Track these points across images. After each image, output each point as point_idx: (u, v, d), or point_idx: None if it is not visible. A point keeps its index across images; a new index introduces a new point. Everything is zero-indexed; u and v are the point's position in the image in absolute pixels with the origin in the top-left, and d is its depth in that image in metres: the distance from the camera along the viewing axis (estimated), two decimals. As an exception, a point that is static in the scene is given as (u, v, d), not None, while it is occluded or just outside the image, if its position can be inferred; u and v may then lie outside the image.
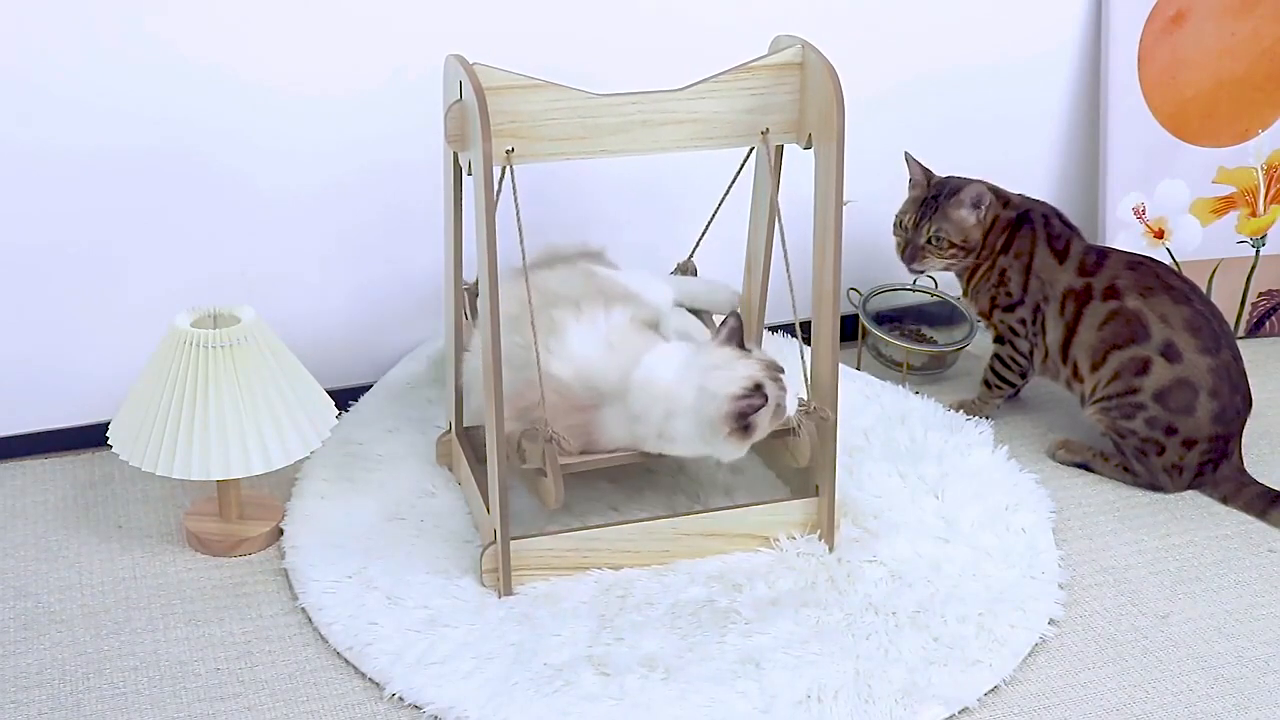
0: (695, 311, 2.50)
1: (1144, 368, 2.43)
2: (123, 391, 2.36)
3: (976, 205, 2.57)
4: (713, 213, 2.43)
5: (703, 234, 2.48)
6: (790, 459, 2.26)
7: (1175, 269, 2.60)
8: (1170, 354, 2.42)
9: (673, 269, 2.57)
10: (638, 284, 2.37)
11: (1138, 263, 2.51)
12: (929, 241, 2.58)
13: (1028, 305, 2.57)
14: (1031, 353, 2.60)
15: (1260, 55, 2.91)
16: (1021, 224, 2.59)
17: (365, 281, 2.66)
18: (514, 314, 2.20)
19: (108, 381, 2.52)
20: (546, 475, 2.08)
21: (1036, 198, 2.66)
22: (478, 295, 2.16)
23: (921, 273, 2.71)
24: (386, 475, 2.44)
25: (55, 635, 2.13)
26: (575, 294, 2.27)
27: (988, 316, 2.65)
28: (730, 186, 2.39)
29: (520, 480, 2.15)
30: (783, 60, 2.17)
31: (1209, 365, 2.41)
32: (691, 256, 2.54)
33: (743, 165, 2.36)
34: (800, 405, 2.21)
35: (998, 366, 2.66)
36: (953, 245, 2.58)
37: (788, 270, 2.20)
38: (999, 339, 2.64)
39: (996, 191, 2.60)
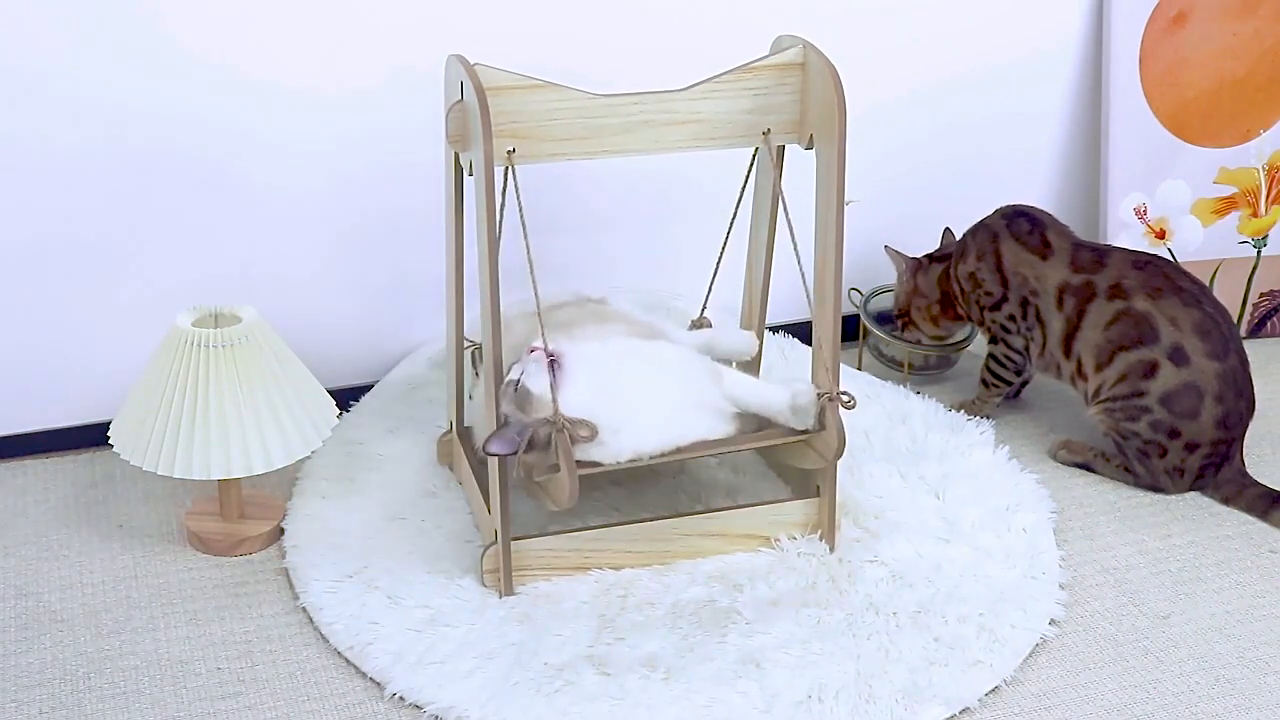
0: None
1: (1151, 370, 2.42)
2: (123, 391, 2.36)
3: (900, 278, 2.78)
4: (719, 253, 2.39)
5: (711, 283, 2.45)
6: (813, 458, 2.22)
7: (1182, 268, 2.59)
8: (1178, 358, 2.41)
9: (688, 326, 2.50)
10: (646, 318, 2.34)
11: (1145, 262, 2.51)
12: (897, 317, 2.80)
13: (1013, 301, 2.58)
14: (1027, 348, 2.60)
15: (1262, 56, 2.91)
16: (976, 231, 2.64)
17: (367, 281, 2.66)
18: (519, 342, 2.17)
19: (108, 381, 2.52)
20: (560, 468, 2.03)
21: (1015, 203, 2.66)
22: (480, 353, 2.14)
23: (919, 338, 2.80)
24: (387, 475, 2.44)
25: (56, 634, 2.13)
26: (580, 322, 2.24)
27: (981, 322, 2.66)
28: (738, 206, 2.36)
29: (522, 482, 2.14)
30: (784, 60, 2.17)
31: (1216, 370, 2.41)
32: (703, 312, 2.50)
33: (749, 174, 2.35)
34: (821, 393, 2.16)
35: (993, 365, 2.66)
36: (898, 316, 2.78)
37: (800, 267, 2.19)
38: (993, 339, 2.65)
39: (932, 255, 2.74)
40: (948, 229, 2.76)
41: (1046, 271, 2.54)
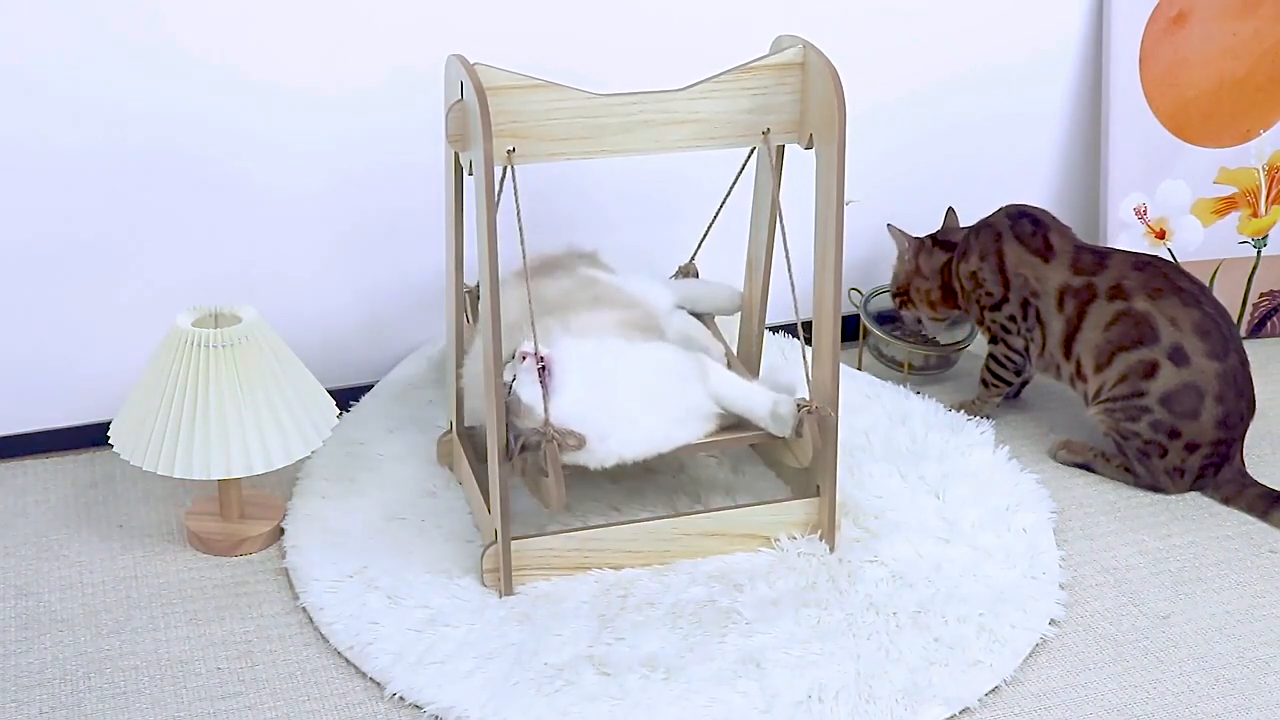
0: (698, 314, 2.49)
1: (1151, 371, 2.42)
2: (124, 391, 2.36)
3: (900, 256, 2.76)
4: (714, 214, 2.43)
5: (704, 236, 2.48)
6: (792, 459, 2.26)
7: (1182, 269, 2.59)
8: (1178, 358, 2.41)
9: (674, 272, 2.57)
10: (637, 288, 2.37)
11: (1145, 263, 2.51)
12: (896, 295, 2.80)
13: (1013, 302, 2.58)
14: (1027, 349, 2.60)
15: (1262, 56, 2.91)
16: (980, 230, 2.64)
17: (367, 281, 2.66)
18: (512, 321, 2.19)
19: (109, 381, 2.52)
20: (548, 475, 2.07)
21: (1016, 203, 2.66)
22: (479, 297, 2.16)
23: (919, 321, 2.80)
24: (387, 475, 2.44)
25: (56, 634, 2.13)
26: (572, 305, 2.26)
27: (981, 321, 2.66)
28: (731, 188, 2.39)
29: (522, 482, 2.15)
30: (784, 60, 2.17)
31: (1216, 370, 2.41)
32: (693, 259, 2.54)
33: (744, 165, 2.36)
34: (802, 405, 2.21)
35: (993, 365, 2.66)
36: (895, 294, 2.78)
37: (789, 270, 2.19)
38: (993, 339, 2.65)
39: (935, 236, 2.73)
40: (950, 209, 2.75)
41: (1048, 273, 2.54)
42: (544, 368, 2.09)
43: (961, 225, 2.73)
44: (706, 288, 2.52)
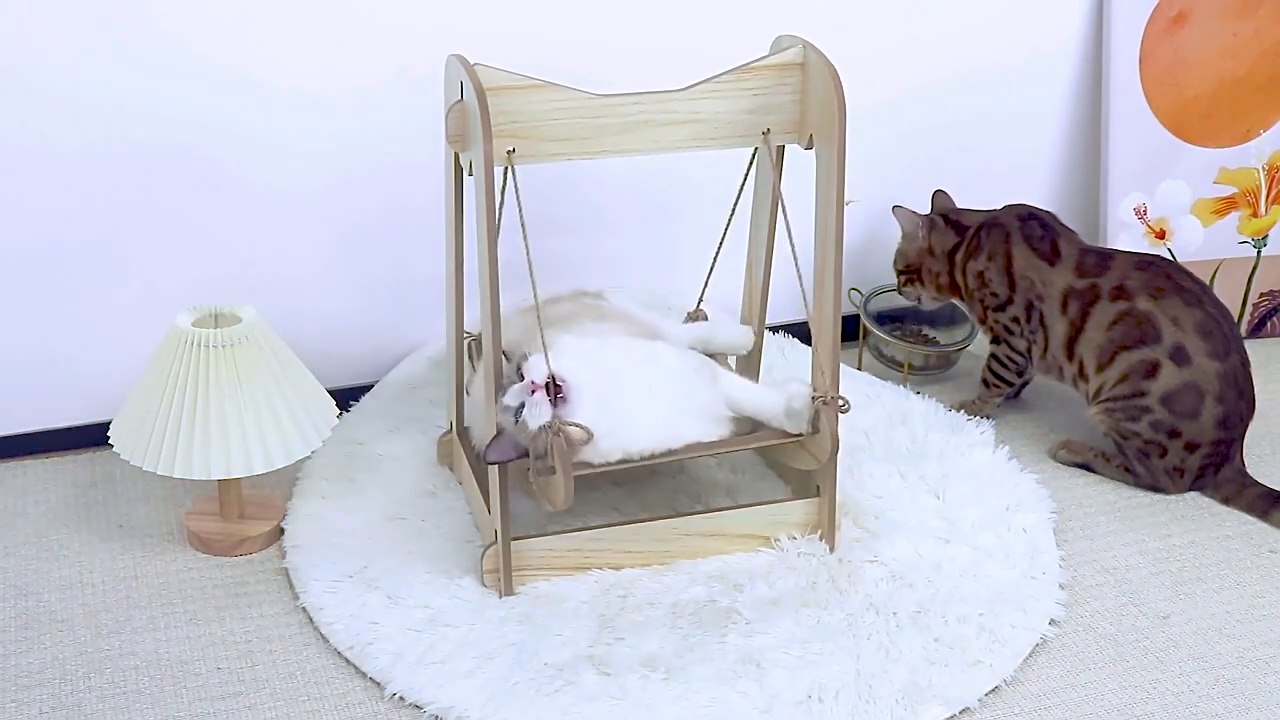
0: (711, 355, 2.46)
1: (1153, 370, 2.42)
2: (124, 391, 2.36)
3: (911, 235, 2.72)
4: (717, 248, 2.39)
5: (708, 276, 2.45)
6: (807, 460, 2.24)
7: (1184, 268, 2.59)
8: (1179, 358, 2.41)
9: (683, 319, 2.52)
10: (645, 315, 2.34)
11: (1147, 263, 2.51)
12: (898, 274, 2.77)
13: (1018, 304, 2.58)
14: (1029, 350, 2.60)
15: (1262, 56, 2.91)
16: (990, 229, 2.63)
17: (366, 281, 2.66)
18: (516, 339, 2.17)
19: (109, 381, 2.52)
20: (556, 472, 2.03)
21: (1025, 203, 2.66)
22: (480, 344, 2.14)
23: (918, 299, 2.78)
24: (387, 475, 2.44)
25: (56, 634, 2.13)
26: (577, 318, 2.23)
27: (984, 321, 2.66)
28: (736, 203, 2.37)
29: (521, 486, 2.14)
30: (784, 60, 2.17)
31: (1217, 370, 2.41)
32: (700, 304, 2.51)
33: (747, 174, 2.35)
34: (815, 396, 2.18)
35: (995, 366, 2.66)
36: (902, 271, 2.75)
37: (798, 269, 2.19)
38: (995, 339, 2.64)
39: (946, 215, 2.70)
40: (939, 191, 2.74)
41: (1053, 277, 2.54)
42: (562, 395, 2.04)
43: (958, 206, 2.72)
44: (718, 328, 2.45)
